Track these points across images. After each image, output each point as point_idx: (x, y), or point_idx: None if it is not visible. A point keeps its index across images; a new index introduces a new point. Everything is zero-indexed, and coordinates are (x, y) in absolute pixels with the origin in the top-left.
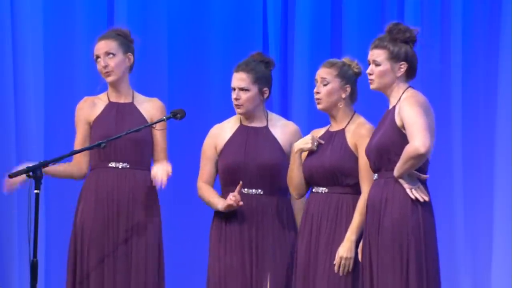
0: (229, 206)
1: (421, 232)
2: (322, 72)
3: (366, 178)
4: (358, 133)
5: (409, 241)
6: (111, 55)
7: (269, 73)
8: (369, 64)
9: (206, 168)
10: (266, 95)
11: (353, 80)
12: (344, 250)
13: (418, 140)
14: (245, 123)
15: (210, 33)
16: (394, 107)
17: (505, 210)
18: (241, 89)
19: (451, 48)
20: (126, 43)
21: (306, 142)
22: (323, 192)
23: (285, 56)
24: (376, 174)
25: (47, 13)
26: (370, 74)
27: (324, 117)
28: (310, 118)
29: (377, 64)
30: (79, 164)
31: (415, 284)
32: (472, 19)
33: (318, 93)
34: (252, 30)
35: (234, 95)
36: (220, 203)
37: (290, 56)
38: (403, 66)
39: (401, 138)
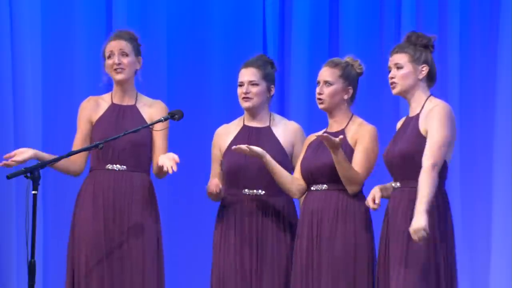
0: (209, 194)
1: (430, 239)
2: (326, 73)
3: (363, 168)
4: (358, 132)
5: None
6: (125, 54)
7: (274, 73)
8: (390, 71)
9: (213, 167)
10: (271, 93)
11: (355, 81)
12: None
13: (431, 158)
14: (248, 123)
15: (210, 34)
16: (418, 115)
17: (504, 211)
18: (252, 83)
19: (449, 49)
20: (137, 47)
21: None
22: (323, 189)
23: (283, 57)
24: (398, 183)
25: (45, 13)
26: (392, 78)
27: (321, 118)
28: (308, 118)
29: (399, 67)
30: (74, 160)
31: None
32: (470, 19)
33: (320, 94)
34: (252, 31)
35: (243, 89)
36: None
37: (287, 57)
38: (425, 69)
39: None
